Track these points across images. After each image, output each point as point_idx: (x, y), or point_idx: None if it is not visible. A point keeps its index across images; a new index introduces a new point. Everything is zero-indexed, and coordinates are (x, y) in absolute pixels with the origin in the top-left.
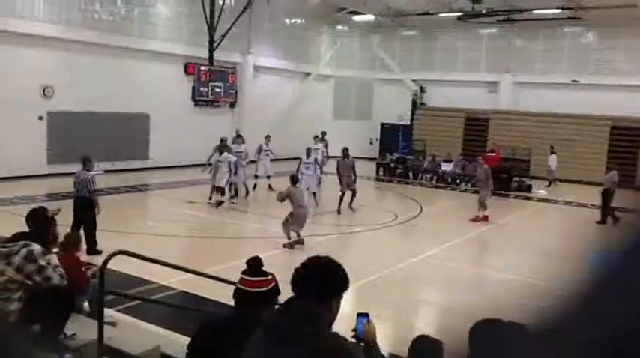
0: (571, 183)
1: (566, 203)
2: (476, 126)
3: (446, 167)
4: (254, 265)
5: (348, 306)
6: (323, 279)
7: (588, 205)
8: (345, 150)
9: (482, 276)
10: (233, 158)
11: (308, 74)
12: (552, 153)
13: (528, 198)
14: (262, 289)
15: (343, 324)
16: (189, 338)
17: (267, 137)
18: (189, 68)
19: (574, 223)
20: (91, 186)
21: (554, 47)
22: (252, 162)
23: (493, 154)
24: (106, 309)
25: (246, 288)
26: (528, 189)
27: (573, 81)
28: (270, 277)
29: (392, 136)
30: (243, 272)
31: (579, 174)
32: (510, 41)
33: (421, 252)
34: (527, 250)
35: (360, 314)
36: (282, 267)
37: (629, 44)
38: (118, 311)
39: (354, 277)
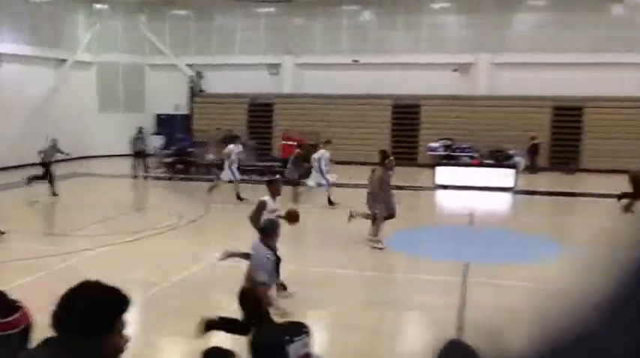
0: (359, 165)
1: (354, 185)
2: (260, 111)
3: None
4: None
5: (131, 323)
6: (89, 309)
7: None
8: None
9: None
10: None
11: (64, 61)
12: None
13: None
14: (8, 332)
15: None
16: None
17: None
18: None
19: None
20: None
21: (333, 27)
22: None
23: (290, 143)
24: None
25: None
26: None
27: (354, 61)
28: (18, 315)
29: (169, 128)
30: None
31: (364, 156)
32: (290, 21)
33: (212, 254)
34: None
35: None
36: (43, 297)
37: (407, 22)
38: None
39: (138, 290)
